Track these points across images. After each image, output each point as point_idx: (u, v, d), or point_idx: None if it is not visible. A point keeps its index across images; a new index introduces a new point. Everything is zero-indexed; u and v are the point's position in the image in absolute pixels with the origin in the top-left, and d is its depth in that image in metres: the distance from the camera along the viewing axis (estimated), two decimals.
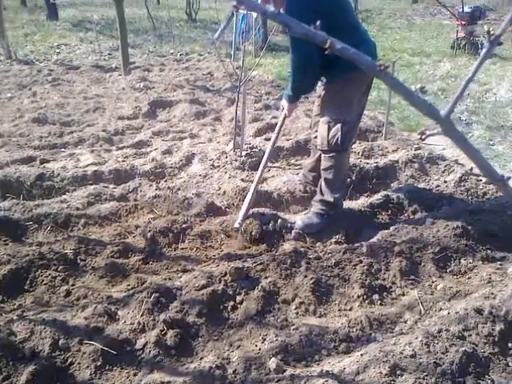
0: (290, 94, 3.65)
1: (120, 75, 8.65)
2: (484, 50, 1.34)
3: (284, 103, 3.80)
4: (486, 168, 1.53)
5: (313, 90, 3.80)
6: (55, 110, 6.49)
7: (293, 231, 3.61)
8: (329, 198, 3.69)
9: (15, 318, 2.62)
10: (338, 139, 3.49)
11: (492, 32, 1.33)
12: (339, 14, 3.25)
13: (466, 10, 10.53)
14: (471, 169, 3.90)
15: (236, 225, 3.50)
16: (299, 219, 3.71)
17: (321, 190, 3.76)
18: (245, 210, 3.61)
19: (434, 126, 1.45)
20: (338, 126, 3.47)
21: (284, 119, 3.88)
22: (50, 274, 3.05)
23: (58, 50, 11.19)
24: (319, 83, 3.71)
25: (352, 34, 3.25)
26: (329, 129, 3.51)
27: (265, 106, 6.71)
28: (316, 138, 3.76)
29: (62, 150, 5.21)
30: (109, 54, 10.79)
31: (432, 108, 1.42)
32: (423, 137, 1.46)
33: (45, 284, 3.00)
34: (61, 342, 2.45)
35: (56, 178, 4.30)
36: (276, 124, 5.82)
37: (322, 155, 3.69)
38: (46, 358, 2.38)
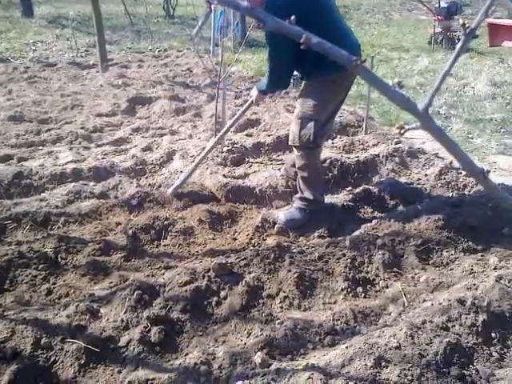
0: (263, 88, 3.70)
1: (98, 72, 8.55)
2: (460, 43, 1.35)
3: (254, 92, 3.87)
4: (466, 161, 1.53)
5: (286, 87, 3.81)
6: (32, 108, 6.39)
7: (276, 226, 3.61)
8: (308, 195, 3.69)
9: None
10: (309, 136, 3.47)
11: (467, 25, 1.33)
12: (319, 15, 3.19)
13: (443, 5, 10.61)
14: (451, 162, 3.91)
15: (169, 191, 3.95)
16: (282, 214, 3.71)
17: (299, 187, 3.76)
18: (182, 179, 3.96)
19: (413, 120, 1.45)
20: (311, 123, 3.45)
21: (249, 105, 3.98)
22: (30, 273, 3.00)
23: (33, 47, 11.00)
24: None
25: (333, 34, 3.13)
26: (301, 125, 3.49)
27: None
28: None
29: (40, 147, 5.13)
30: (86, 51, 10.65)
31: (410, 102, 1.41)
32: (402, 131, 1.47)
33: (25, 283, 2.95)
34: (43, 341, 2.40)
35: (34, 177, 4.23)
36: (257, 120, 5.85)
37: (295, 152, 3.69)
38: (28, 358, 2.33)
